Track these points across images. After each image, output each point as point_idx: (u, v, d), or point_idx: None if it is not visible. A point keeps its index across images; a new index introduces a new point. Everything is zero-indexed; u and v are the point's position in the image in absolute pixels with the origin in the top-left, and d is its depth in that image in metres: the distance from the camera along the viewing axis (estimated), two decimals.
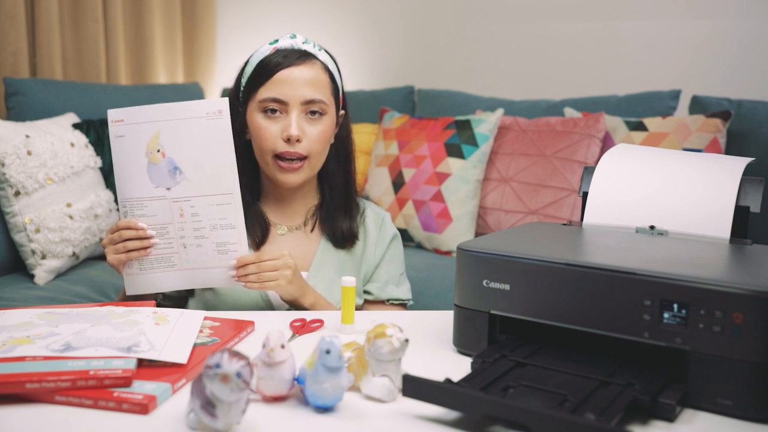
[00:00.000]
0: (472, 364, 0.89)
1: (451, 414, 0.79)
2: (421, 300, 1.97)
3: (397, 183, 2.46)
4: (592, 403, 0.76)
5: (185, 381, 0.85)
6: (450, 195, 2.34)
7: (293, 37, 1.32)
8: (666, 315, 0.80)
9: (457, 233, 2.32)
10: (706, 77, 2.61)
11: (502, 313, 0.92)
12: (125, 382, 0.80)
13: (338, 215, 1.35)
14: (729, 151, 2.17)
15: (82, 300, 1.96)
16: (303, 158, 1.27)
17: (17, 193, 1.99)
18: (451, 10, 3.12)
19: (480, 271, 0.92)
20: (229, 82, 1.38)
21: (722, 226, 1.02)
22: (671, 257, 0.90)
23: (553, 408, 0.74)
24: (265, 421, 0.77)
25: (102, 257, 2.23)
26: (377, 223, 1.39)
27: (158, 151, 1.14)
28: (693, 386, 0.80)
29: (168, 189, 1.15)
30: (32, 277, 2.03)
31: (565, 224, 1.14)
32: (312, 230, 1.36)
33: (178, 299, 1.34)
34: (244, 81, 1.32)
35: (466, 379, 0.81)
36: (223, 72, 3.55)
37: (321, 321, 1.11)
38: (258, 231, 1.32)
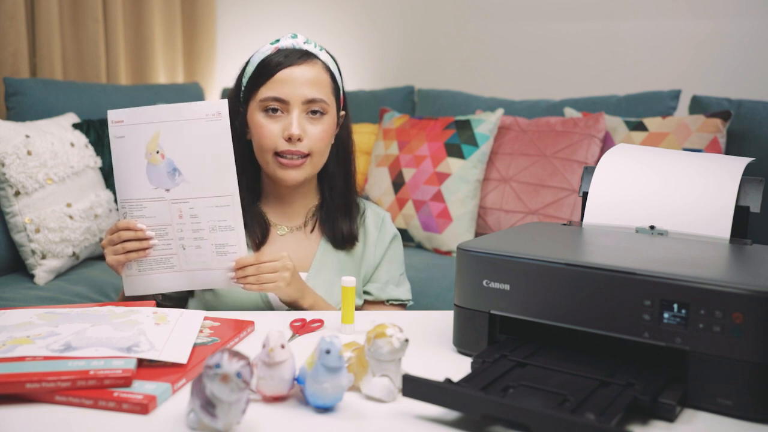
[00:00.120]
0: (472, 364, 0.89)
1: (451, 414, 0.79)
2: (421, 300, 1.97)
3: (397, 183, 2.46)
4: (592, 403, 0.76)
5: (185, 381, 0.85)
6: (450, 195, 2.34)
7: (294, 36, 1.32)
8: (666, 315, 0.80)
9: (457, 233, 2.32)
10: (706, 77, 2.61)
11: (502, 313, 0.92)
12: (125, 382, 0.80)
13: (338, 216, 1.35)
14: (729, 151, 2.17)
15: (82, 300, 1.96)
16: (305, 156, 1.27)
17: (17, 193, 1.99)
18: (451, 10, 3.12)
19: (480, 271, 0.92)
20: (229, 82, 1.38)
21: (722, 226, 1.02)
22: (671, 257, 0.90)
23: (553, 408, 0.74)
24: (265, 421, 0.77)
25: (102, 257, 2.23)
26: (377, 223, 1.39)
27: (157, 152, 1.14)
28: (693, 386, 0.80)
29: (167, 190, 1.15)
30: (32, 277, 2.03)
31: (565, 224, 1.14)
32: (312, 231, 1.36)
33: (178, 300, 1.34)
34: (245, 81, 1.32)
35: (466, 379, 0.81)
36: (223, 72, 3.55)
37: (321, 321, 1.11)
38: (258, 231, 1.32)
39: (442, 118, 2.53)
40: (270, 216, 1.36)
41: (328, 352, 0.77)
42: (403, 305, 1.39)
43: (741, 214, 1.03)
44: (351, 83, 3.21)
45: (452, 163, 2.37)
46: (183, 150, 1.13)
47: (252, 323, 1.07)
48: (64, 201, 2.09)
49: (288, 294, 1.20)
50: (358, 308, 1.34)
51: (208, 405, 0.72)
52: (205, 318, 1.06)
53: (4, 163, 1.96)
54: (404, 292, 1.39)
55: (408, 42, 3.23)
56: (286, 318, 1.14)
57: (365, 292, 1.37)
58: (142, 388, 0.80)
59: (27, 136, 2.04)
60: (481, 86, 2.94)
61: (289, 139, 1.25)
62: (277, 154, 1.27)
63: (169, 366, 0.86)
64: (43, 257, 2.02)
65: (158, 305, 1.21)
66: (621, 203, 1.09)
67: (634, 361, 0.86)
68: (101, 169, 2.31)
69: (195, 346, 0.93)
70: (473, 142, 2.38)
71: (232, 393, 0.71)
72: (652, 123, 2.25)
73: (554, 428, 0.69)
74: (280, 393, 0.81)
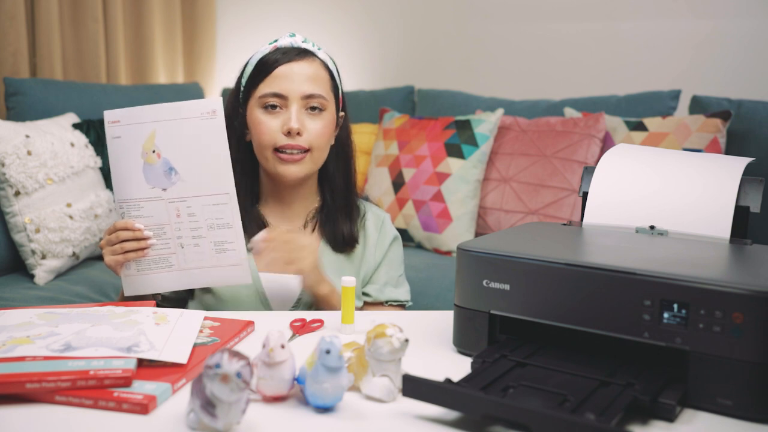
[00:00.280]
0: (472, 364, 0.89)
1: (451, 414, 0.79)
2: (421, 300, 1.97)
3: (397, 183, 2.46)
4: (592, 403, 0.76)
5: (185, 381, 0.85)
6: (450, 195, 2.34)
7: (292, 35, 1.32)
8: (666, 315, 0.80)
9: (457, 233, 2.32)
10: (706, 77, 2.61)
11: (502, 313, 0.92)
12: (125, 382, 0.80)
13: (339, 218, 1.34)
14: (729, 151, 2.17)
15: (82, 300, 1.96)
16: (305, 151, 1.27)
17: (17, 193, 1.99)
18: (451, 10, 3.12)
19: (480, 271, 0.92)
20: (229, 82, 1.38)
21: (722, 226, 1.02)
22: (671, 257, 0.90)
23: (553, 408, 0.74)
24: (265, 421, 0.77)
25: (102, 257, 2.23)
26: (377, 225, 1.39)
27: (154, 151, 1.14)
28: (693, 386, 0.80)
29: (164, 190, 1.15)
30: (32, 277, 2.03)
31: (565, 224, 1.14)
32: (312, 233, 1.36)
33: (177, 301, 1.34)
34: (243, 81, 1.32)
35: (466, 379, 0.81)
36: (223, 72, 3.55)
37: (321, 321, 1.11)
38: (257, 233, 1.32)
39: (442, 118, 2.53)
40: (269, 218, 1.36)
41: (328, 352, 0.77)
42: (401, 306, 1.38)
43: (741, 214, 1.03)
44: (351, 83, 3.21)
45: (452, 163, 2.37)
46: (179, 149, 1.13)
47: (252, 323, 1.07)
48: (64, 201, 2.09)
49: (309, 276, 1.22)
50: (357, 310, 1.34)
51: (208, 405, 0.72)
52: (205, 318, 1.06)
53: (4, 163, 1.96)
54: (403, 293, 1.39)
55: (408, 42, 3.23)
56: (286, 318, 1.14)
57: (364, 294, 1.37)
58: (142, 388, 0.80)
59: (27, 136, 2.04)
60: (481, 86, 2.94)
61: (288, 134, 1.25)
62: (277, 150, 1.26)
63: (169, 366, 0.86)
64: (43, 257, 2.02)
65: (158, 306, 1.21)
66: (621, 203, 1.09)
67: (634, 361, 0.86)
68: (101, 169, 2.31)
69: (195, 346, 0.93)
70: (473, 142, 2.38)
71: (232, 393, 0.71)
72: (652, 123, 2.25)
73: (554, 428, 0.69)
74: (280, 393, 0.81)
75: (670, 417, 0.78)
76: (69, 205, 2.09)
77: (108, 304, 1.09)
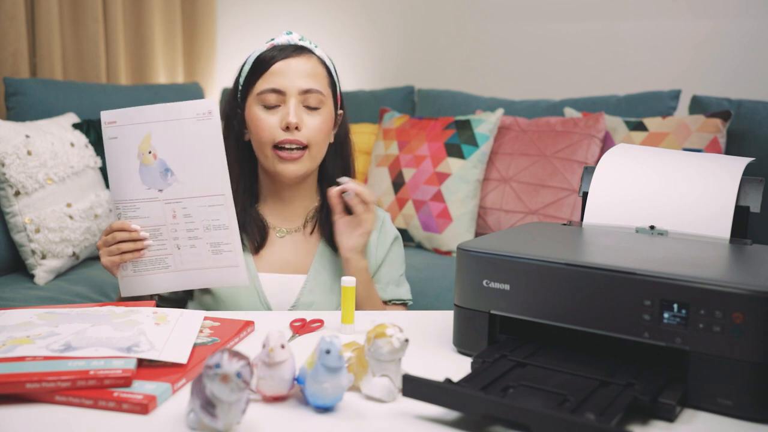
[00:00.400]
0: (472, 364, 0.89)
1: (451, 414, 0.79)
2: (421, 300, 1.97)
3: (397, 183, 2.46)
4: (592, 403, 0.76)
5: (185, 381, 0.85)
6: (450, 195, 2.34)
7: (289, 33, 1.32)
8: (666, 315, 0.80)
9: (457, 233, 2.32)
10: (706, 77, 2.61)
11: (502, 313, 0.92)
12: (125, 382, 0.80)
13: None
14: (729, 151, 2.17)
15: (82, 300, 1.96)
16: (303, 147, 1.27)
17: (17, 193, 1.99)
18: (451, 10, 3.12)
19: (480, 271, 0.92)
20: (229, 82, 1.38)
21: (722, 226, 1.02)
22: (671, 257, 0.90)
23: (553, 408, 0.74)
24: (265, 421, 0.77)
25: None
26: (377, 225, 1.39)
27: (150, 152, 1.14)
28: (693, 386, 0.80)
29: (160, 191, 1.15)
30: (32, 277, 2.03)
31: (565, 224, 1.14)
32: (311, 233, 1.36)
33: (176, 301, 1.34)
34: (242, 80, 1.32)
35: (466, 379, 0.81)
36: (223, 72, 3.55)
37: (321, 321, 1.11)
38: (257, 234, 1.32)
39: (442, 118, 2.53)
40: (269, 218, 1.35)
41: (328, 352, 0.77)
42: (404, 305, 1.39)
43: (741, 214, 1.03)
44: (351, 83, 3.21)
45: (452, 163, 2.37)
46: (174, 150, 1.13)
47: (252, 323, 1.07)
48: (64, 201, 2.09)
49: (366, 237, 1.27)
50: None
51: (208, 405, 0.72)
52: (205, 318, 1.06)
53: (4, 163, 1.96)
54: (405, 292, 1.39)
55: (408, 42, 3.23)
56: (286, 318, 1.14)
57: None
58: (142, 388, 0.80)
59: (27, 136, 2.04)
60: (481, 86, 2.94)
61: (287, 129, 1.25)
62: (276, 147, 1.26)
63: (169, 366, 0.86)
64: (43, 257, 2.02)
65: (157, 306, 1.21)
66: (621, 203, 1.09)
67: (634, 361, 0.86)
68: (101, 169, 2.31)
69: (195, 346, 0.93)
70: (473, 142, 2.38)
71: (232, 393, 0.71)
72: (652, 123, 2.25)
73: (554, 428, 0.69)
74: (280, 393, 0.81)
75: (670, 417, 0.78)
76: (69, 205, 2.09)
77: (108, 304, 1.09)
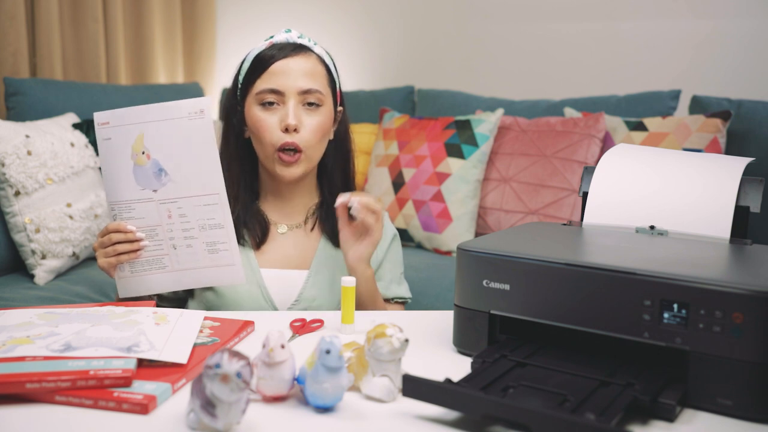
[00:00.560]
0: (472, 364, 0.89)
1: (451, 414, 0.79)
2: (421, 300, 1.97)
3: (397, 183, 2.46)
4: (592, 403, 0.76)
5: (185, 381, 0.85)
6: (450, 195, 2.34)
7: (288, 31, 1.32)
8: (666, 315, 0.80)
9: (457, 233, 2.32)
10: (706, 77, 2.61)
11: (502, 313, 0.92)
12: (125, 382, 0.80)
13: None
14: (729, 151, 2.17)
15: (82, 300, 1.96)
16: (300, 151, 1.27)
17: (17, 193, 1.99)
18: (451, 10, 3.12)
19: (480, 271, 0.92)
20: (229, 82, 1.38)
21: (722, 226, 1.02)
22: (671, 257, 0.90)
23: (553, 408, 0.74)
24: (265, 421, 0.77)
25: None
26: None
27: (143, 153, 1.14)
28: (693, 386, 0.80)
29: (154, 191, 1.15)
30: (32, 277, 2.03)
31: (565, 224, 1.14)
32: (312, 229, 1.36)
33: (177, 301, 1.34)
34: (241, 78, 1.32)
35: (466, 379, 0.81)
36: (223, 72, 3.55)
37: (321, 321, 1.11)
38: (258, 230, 1.32)
39: (442, 118, 2.53)
40: (270, 214, 1.36)
41: (328, 352, 0.77)
42: (404, 303, 1.39)
43: (741, 214, 1.03)
44: (351, 83, 3.21)
45: (452, 163, 2.37)
46: (168, 150, 1.13)
47: (252, 323, 1.07)
48: (64, 201, 2.09)
49: (374, 246, 1.23)
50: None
51: (208, 405, 0.72)
52: (205, 318, 1.06)
53: (4, 163, 1.96)
54: (405, 291, 1.39)
55: (408, 42, 3.23)
56: (286, 318, 1.14)
57: None
58: (142, 388, 0.80)
59: (27, 136, 2.04)
60: (481, 86, 2.94)
61: (286, 130, 1.25)
62: (278, 149, 1.26)
63: (169, 366, 0.86)
64: (43, 257, 2.02)
65: (157, 306, 1.21)
66: (621, 203, 1.09)
67: (634, 361, 0.86)
68: (101, 169, 2.31)
69: (195, 346, 0.93)
70: (473, 142, 2.38)
71: (232, 393, 0.71)
72: (652, 123, 2.25)
73: (554, 428, 0.69)
74: (280, 393, 0.81)
75: (670, 417, 0.78)
76: (69, 205, 2.09)
77: (108, 304, 1.09)
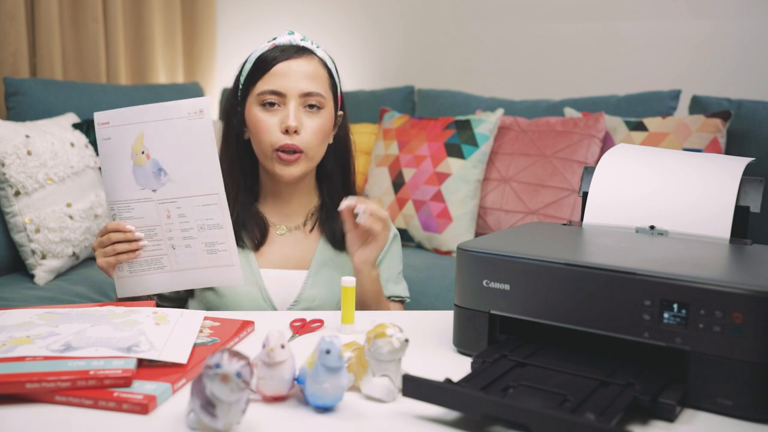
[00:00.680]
0: (472, 364, 0.89)
1: (451, 414, 0.79)
2: (421, 300, 1.97)
3: (397, 183, 2.46)
4: (592, 403, 0.76)
5: (185, 381, 0.85)
6: (450, 195, 2.34)
7: (291, 33, 1.32)
8: (666, 315, 0.80)
9: (457, 233, 2.32)
10: (706, 77, 2.61)
11: (502, 313, 0.92)
12: (125, 382, 0.80)
13: (338, 217, 1.34)
14: (729, 151, 2.17)
15: (82, 300, 1.96)
16: (300, 152, 1.27)
17: (17, 193, 1.99)
18: (451, 10, 3.12)
19: (480, 271, 0.92)
20: (229, 82, 1.38)
21: (722, 226, 1.02)
22: (671, 257, 0.90)
23: (553, 408, 0.74)
24: (265, 421, 0.77)
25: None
26: None
27: (143, 152, 1.14)
28: (693, 386, 0.80)
29: (154, 191, 1.15)
30: (32, 277, 2.03)
31: (565, 224, 1.14)
32: (311, 230, 1.36)
33: (177, 301, 1.34)
34: (242, 79, 1.32)
35: (466, 379, 0.81)
36: (223, 72, 3.55)
37: (321, 321, 1.11)
38: (257, 231, 1.32)
39: (442, 118, 2.53)
40: (269, 216, 1.36)
41: (328, 352, 0.77)
42: (402, 302, 1.39)
43: (741, 214, 1.03)
44: (351, 83, 3.21)
45: (452, 163, 2.37)
46: (167, 149, 1.13)
47: (252, 323, 1.07)
48: (64, 201, 2.09)
49: (379, 251, 1.24)
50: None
51: (208, 405, 0.72)
52: (205, 318, 1.06)
53: (4, 163, 1.96)
54: (403, 290, 1.39)
55: (408, 42, 3.23)
56: (286, 318, 1.14)
57: None
58: (142, 388, 0.80)
59: (27, 136, 2.04)
60: (481, 86, 2.94)
61: (286, 132, 1.25)
62: (277, 150, 1.26)
63: (169, 366, 0.86)
64: (43, 257, 2.02)
65: (157, 306, 1.21)
66: (621, 203, 1.09)
67: (634, 361, 0.86)
68: (101, 169, 2.31)
69: (195, 346, 0.93)
70: (473, 142, 2.38)
71: (232, 393, 0.71)
72: (652, 123, 2.25)
73: (554, 428, 0.69)
74: (280, 393, 0.81)
75: (670, 417, 0.78)
76: (69, 205, 2.09)
77: (108, 304, 1.09)
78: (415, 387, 0.77)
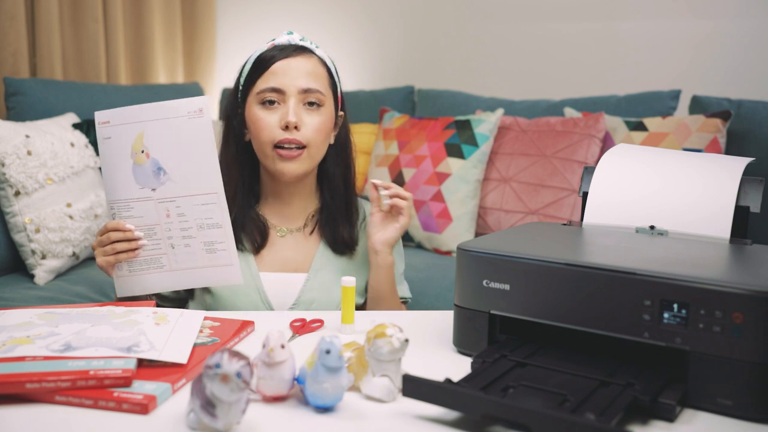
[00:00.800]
0: (472, 364, 0.89)
1: (451, 414, 0.79)
2: (421, 300, 1.97)
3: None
4: (592, 403, 0.76)
5: (185, 381, 0.85)
6: (450, 195, 2.34)
7: (290, 33, 1.32)
8: (666, 315, 0.80)
9: (457, 233, 2.32)
10: (706, 77, 2.61)
11: (502, 313, 0.92)
12: (125, 382, 0.80)
13: (339, 220, 1.34)
14: (729, 151, 2.17)
15: (82, 300, 1.96)
16: (302, 147, 1.27)
17: (17, 193, 1.99)
18: (451, 10, 3.13)
19: (480, 271, 0.92)
20: (229, 82, 1.38)
21: (722, 226, 1.02)
22: (671, 257, 0.90)
23: (553, 408, 0.74)
24: (265, 421, 0.77)
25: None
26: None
27: (143, 152, 1.14)
28: (693, 386, 0.80)
29: (153, 190, 1.15)
30: (32, 277, 2.03)
31: (565, 224, 1.14)
32: (311, 233, 1.36)
33: (177, 301, 1.34)
34: (242, 79, 1.32)
35: (466, 379, 0.81)
36: (223, 72, 3.55)
37: (321, 321, 1.11)
38: (257, 233, 1.32)
39: (442, 118, 2.53)
40: (269, 218, 1.36)
41: (328, 352, 0.77)
42: (405, 302, 1.39)
43: (741, 214, 1.03)
44: (351, 83, 3.21)
45: (452, 163, 2.37)
46: (167, 149, 1.14)
47: (252, 323, 1.07)
48: (64, 201, 2.09)
49: (396, 236, 1.28)
50: (359, 307, 1.34)
51: (208, 405, 0.72)
52: (205, 318, 1.06)
53: (4, 163, 1.96)
54: (405, 290, 1.40)
55: (408, 42, 3.23)
56: (286, 318, 1.14)
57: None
58: (142, 388, 0.80)
59: (27, 136, 2.04)
60: (481, 86, 2.94)
61: (286, 128, 1.25)
62: (276, 146, 1.26)
63: (169, 366, 0.86)
64: (43, 257, 2.02)
65: (157, 306, 1.21)
66: (621, 203, 1.09)
67: (634, 361, 0.86)
68: (101, 169, 2.31)
69: (195, 346, 0.93)
70: (473, 142, 2.38)
71: (232, 393, 0.71)
72: (652, 123, 2.25)
73: (554, 428, 0.69)
74: (280, 393, 0.81)
75: (670, 417, 0.78)
76: (69, 205, 2.09)
77: (108, 304, 1.09)
78: (415, 387, 0.77)
